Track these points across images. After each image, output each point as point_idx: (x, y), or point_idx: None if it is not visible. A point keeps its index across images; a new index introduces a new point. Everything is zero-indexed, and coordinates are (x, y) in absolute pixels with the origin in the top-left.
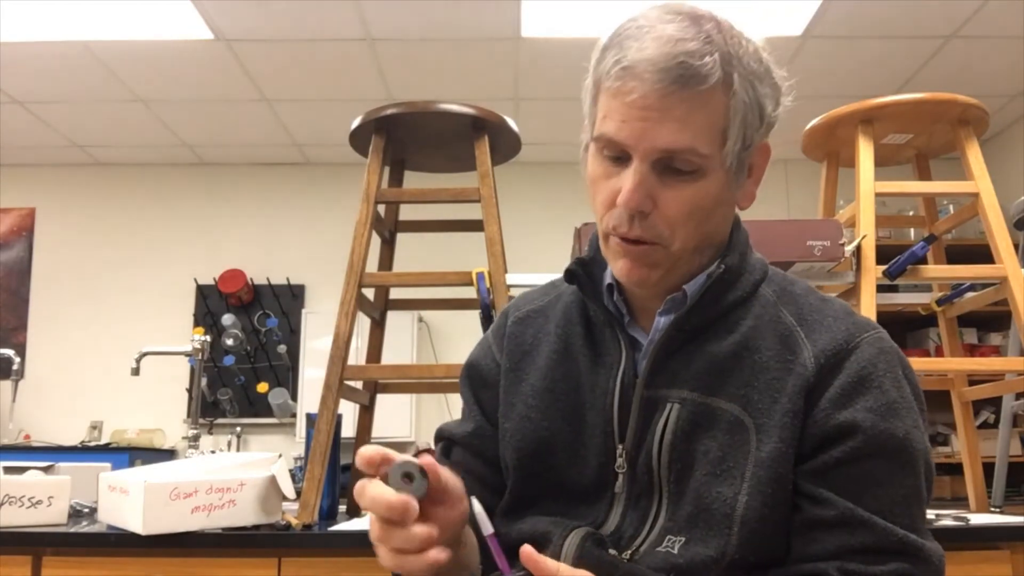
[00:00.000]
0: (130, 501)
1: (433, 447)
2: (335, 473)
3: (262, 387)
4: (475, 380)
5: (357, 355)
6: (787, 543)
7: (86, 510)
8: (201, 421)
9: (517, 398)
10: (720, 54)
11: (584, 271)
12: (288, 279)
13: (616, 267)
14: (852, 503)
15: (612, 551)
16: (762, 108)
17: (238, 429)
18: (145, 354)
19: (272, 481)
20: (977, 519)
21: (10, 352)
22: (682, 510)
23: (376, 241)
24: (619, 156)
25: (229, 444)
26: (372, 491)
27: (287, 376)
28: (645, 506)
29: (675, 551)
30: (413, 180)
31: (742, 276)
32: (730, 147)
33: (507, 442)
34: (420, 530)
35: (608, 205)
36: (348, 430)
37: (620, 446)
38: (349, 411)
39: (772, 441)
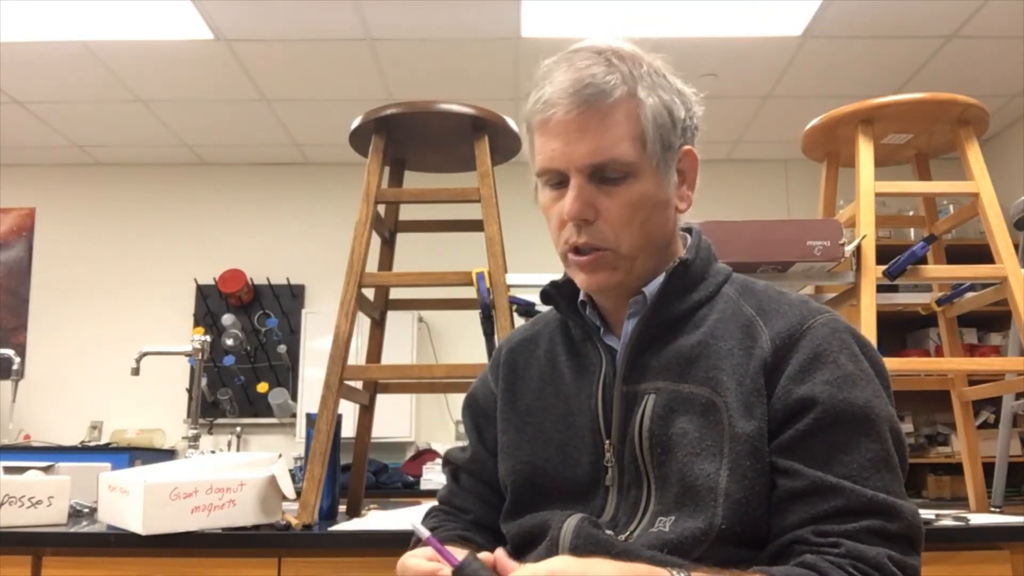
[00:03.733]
0: (130, 501)
1: (429, 447)
2: (335, 473)
3: (262, 387)
4: (474, 409)
5: (357, 355)
6: (765, 516)
7: (86, 510)
8: (201, 421)
9: (513, 415)
10: (621, 72)
11: (560, 292)
12: (288, 279)
13: (578, 280)
14: (821, 472)
15: (608, 532)
16: (671, 111)
17: (238, 429)
18: (145, 354)
19: (272, 481)
20: (977, 519)
21: (10, 352)
22: (669, 492)
23: (376, 241)
24: (560, 181)
25: (229, 444)
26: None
27: (287, 376)
28: (635, 495)
29: (666, 529)
30: (413, 180)
31: (705, 279)
32: (651, 148)
33: (506, 453)
34: None
35: (560, 226)
36: (348, 430)
37: (607, 441)
38: (349, 411)
39: (745, 418)
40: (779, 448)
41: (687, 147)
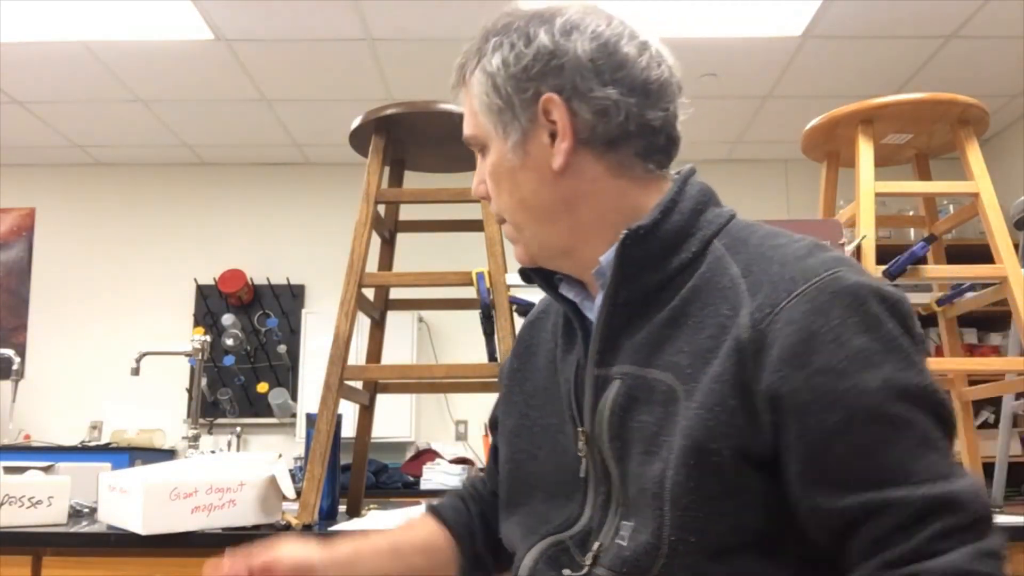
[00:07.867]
0: (130, 501)
1: (429, 447)
2: (335, 473)
3: (262, 387)
4: (501, 381)
5: (357, 355)
6: (730, 522)
7: (86, 510)
8: (201, 421)
9: (520, 397)
10: (466, 53)
11: (535, 268)
12: (288, 279)
13: None
14: (855, 494)
15: (569, 567)
16: (494, 76)
17: (238, 429)
18: (145, 354)
19: (272, 481)
20: None
21: (10, 352)
22: (628, 493)
23: (376, 241)
24: None
25: (229, 444)
26: None
27: (287, 376)
28: (605, 492)
29: (625, 543)
30: (413, 180)
31: (690, 237)
32: (484, 121)
33: (504, 437)
34: None
35: None
36: (348, 430)
37: (580, 428)
38: (349, 411)
39: (699, 409)
40: (797, 478)
41: (547, 95)
